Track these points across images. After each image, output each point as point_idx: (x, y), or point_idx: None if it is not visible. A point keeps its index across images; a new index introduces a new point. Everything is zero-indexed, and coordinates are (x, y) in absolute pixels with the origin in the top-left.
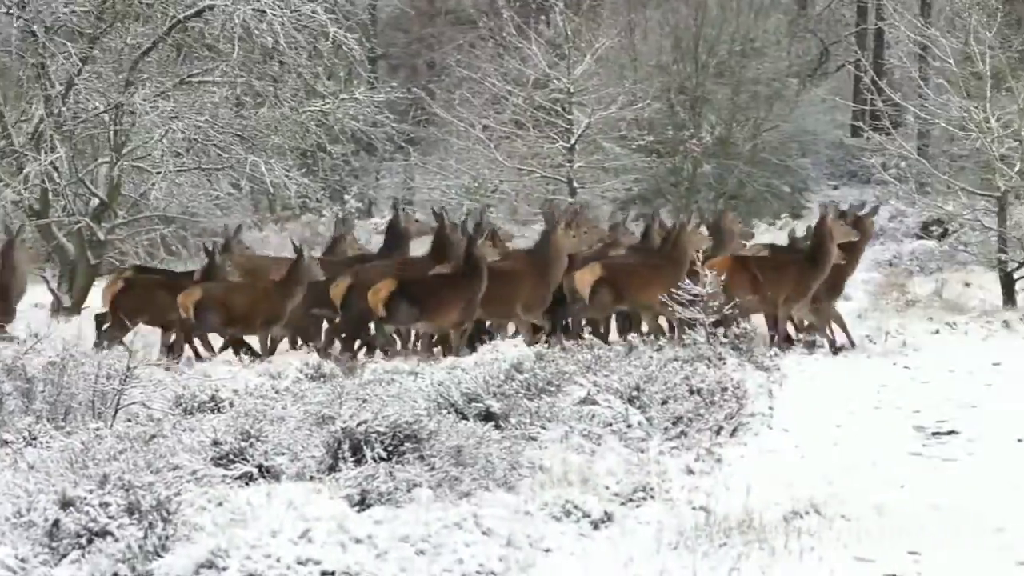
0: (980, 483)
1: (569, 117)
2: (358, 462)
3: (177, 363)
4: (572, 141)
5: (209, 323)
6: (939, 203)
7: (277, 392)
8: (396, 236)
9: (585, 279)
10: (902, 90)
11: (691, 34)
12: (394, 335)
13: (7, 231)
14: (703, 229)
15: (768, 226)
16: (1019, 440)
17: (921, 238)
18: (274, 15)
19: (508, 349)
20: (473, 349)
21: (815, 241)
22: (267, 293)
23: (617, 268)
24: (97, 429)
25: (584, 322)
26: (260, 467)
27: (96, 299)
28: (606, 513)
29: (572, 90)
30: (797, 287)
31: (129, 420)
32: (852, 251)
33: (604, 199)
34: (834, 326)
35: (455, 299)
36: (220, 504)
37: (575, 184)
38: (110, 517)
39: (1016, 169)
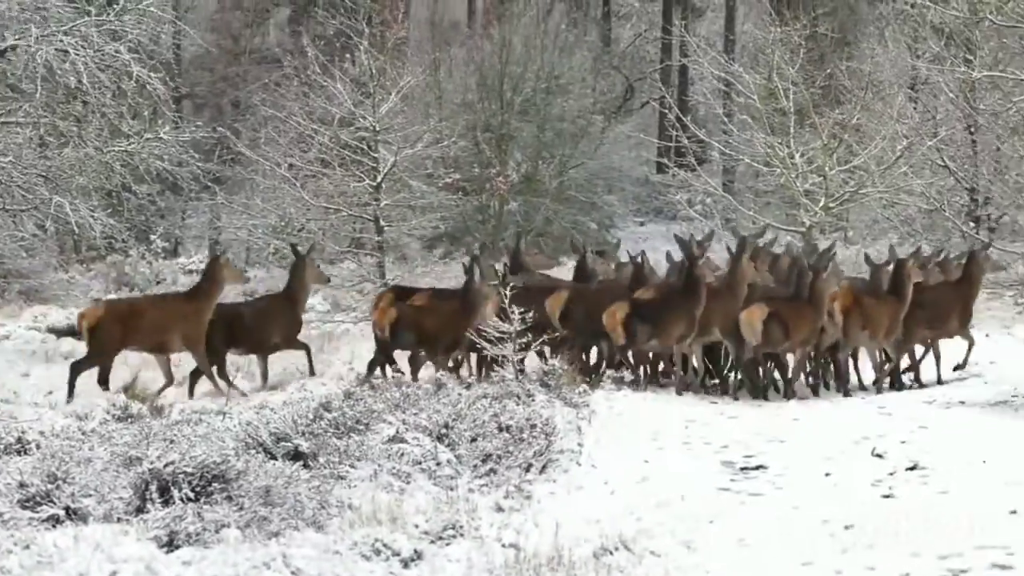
0: (788, 517)
1: (375, 155)
2: (166, 503)
3: None
4: (378, 179)
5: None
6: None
7: (84, 433)
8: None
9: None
10: (707, 126)
11: (496, 72)
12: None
13: None
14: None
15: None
16: (826, 474)
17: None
18: (77, 55)
19: (316, 387)
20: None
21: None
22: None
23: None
24: None
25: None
26: (67, 509)
27: None
28: (416, 551)
29: (378, 128)
30: None
31: None
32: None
33: (411, 237)
34: None
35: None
36: (27, 547)
37: (382, 222)
38: None
39: (820, 204)
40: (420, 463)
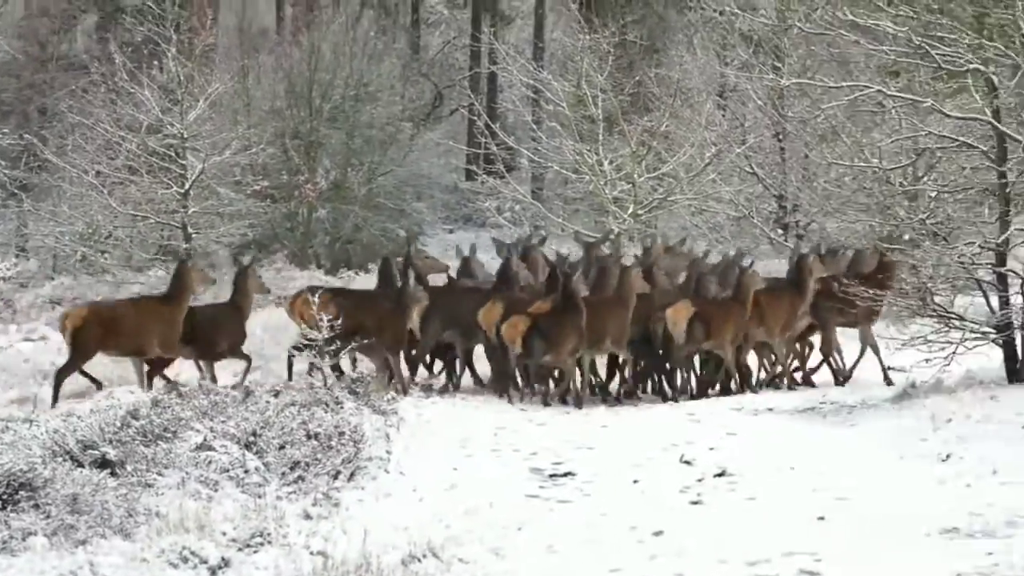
0: (596, 524)
1: (183, 162)
2: None
3: None
4: (186, 186)
5: None
6: (554, 246)
7: None
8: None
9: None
10: (516, 133)
11: (305, 79)
12: None
13: None
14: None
15: None
16: (635, 481)
17: None
18: None
19: (124, 395)
20: None
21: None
22: None
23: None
24: None
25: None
26: None
27: None
28: (223, 559)
29: (186, 135)
30: None
31: None
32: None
33: (219, 244)
34: None
35: None
36: None
37: (190, 229)
38: None
39: (629, 211)
40: (228, 471)
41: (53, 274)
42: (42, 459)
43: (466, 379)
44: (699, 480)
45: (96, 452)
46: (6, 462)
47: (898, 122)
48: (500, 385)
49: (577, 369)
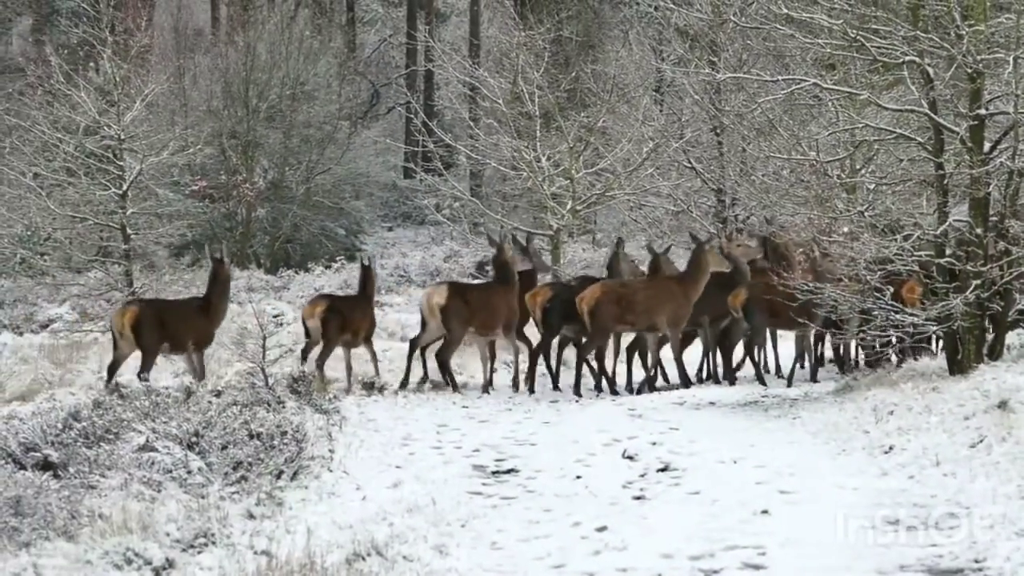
0: (540, 520)
1: (121, 164)
2: None
3: None
4: (124, 187)
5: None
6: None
7: None
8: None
9: None
10: (453, 131)
11: (241, 79)
12: None
13: None
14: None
15: (324, 269)
16: (578, 477)
17: (476, 278)
18: None
19: (66, 397)
20: None
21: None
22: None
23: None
24: None
25: None
26: None
27: None
28: (168, 560)
29: (123, 136)
30: None
31: None
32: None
33: (159, 245)
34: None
35: None
36: None
37: (129, 230)
38: None
39: (568, 207)
40: (171, 471)
41: None
42: None
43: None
44: (642, 475)
45: (38, 454)
46: None
47: (835, 115)
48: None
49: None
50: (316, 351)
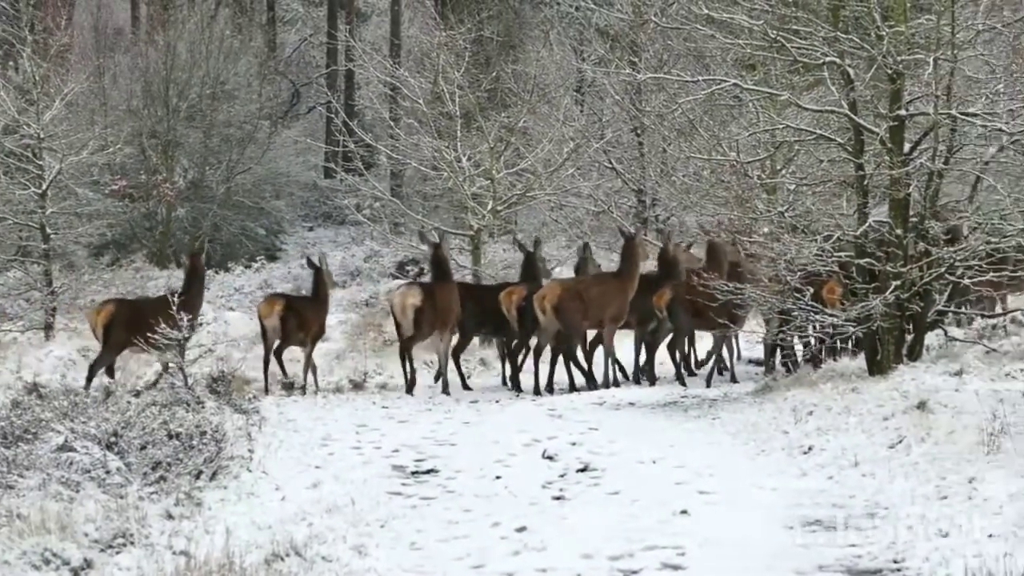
0: (459, 520)
1: (40, 163)
2: None
3: None
4: (44, 187)
5: None
6: (414, 243)
7: None
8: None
9: None
10: (374, 130)
11: (161, 78)
12: None
13: None
14: None
15: (244, 268)
16: (497, 477)
17: (396, 278)
18: None
19: None
20: None
21: None
22: None
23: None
24: None
25: None
26: None
27: None
28: (86, 560)
29: (42, 136)
30: None
31: None
32: None
33: (78, 244)
34: None
35: None
36: None
37: (48, 230)
38: None
39: (488, 208)
40: (89, 471)
41: None
42: None
43: None
44: (562, 475)
45: None
46: None
47: (755, 115)
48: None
49: None
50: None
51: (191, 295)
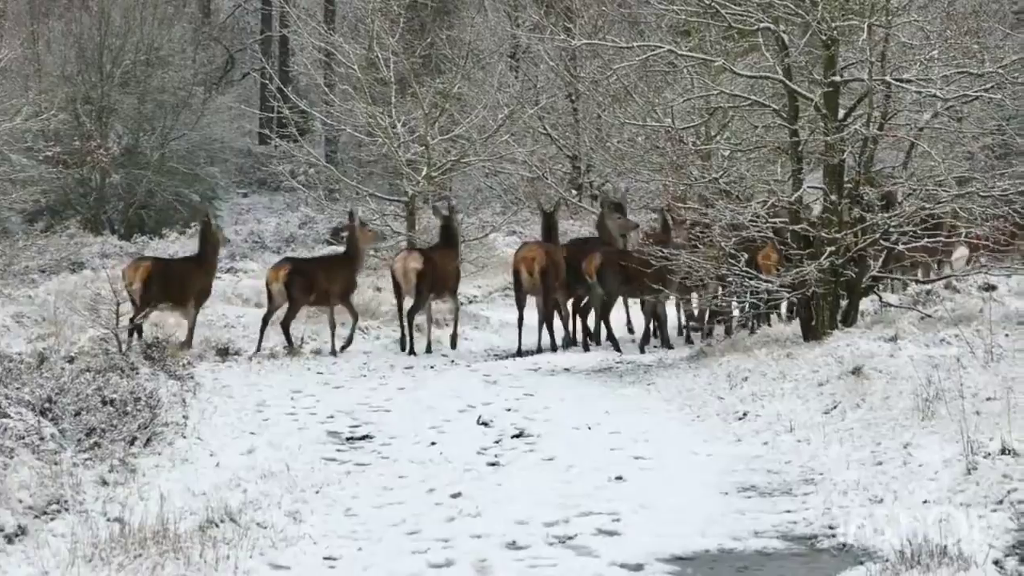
0: (394, 487)
1: None
2: None
3: None
4: None
5: None
6: (348, 209)
7: None
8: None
9: None
10: (309, 97)
11: (96, 44)
12: None
13: None
14: None
15: (179, 235)
16: (432, 443)
17: (331, 244)
18: None
19: None
20: None
21: None
22: None
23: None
24: None
25: None
26: None
27: None
28: (20, 527)
29: None
30: None
31: None
32: None
33: (12, 211)
34: None
35: None
36: None
37: None
38: None
39: (423, 174)
40: (23, 438)
41: None
42: None
43: None
44: (497, 441)
45: None
46: None
47: (690, 82)
48: None
49: None
50: (279, 315)
51: (207, 257)
